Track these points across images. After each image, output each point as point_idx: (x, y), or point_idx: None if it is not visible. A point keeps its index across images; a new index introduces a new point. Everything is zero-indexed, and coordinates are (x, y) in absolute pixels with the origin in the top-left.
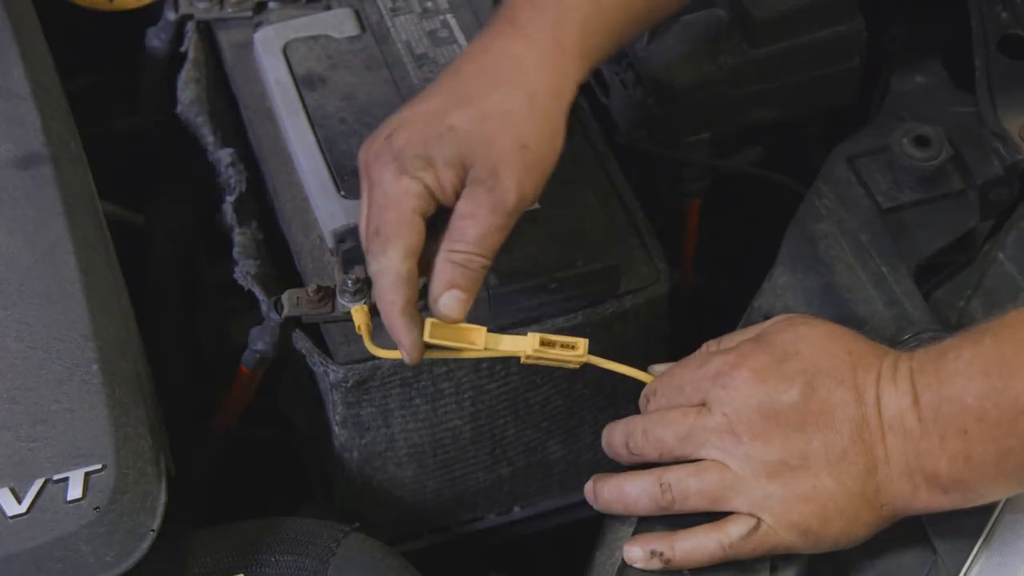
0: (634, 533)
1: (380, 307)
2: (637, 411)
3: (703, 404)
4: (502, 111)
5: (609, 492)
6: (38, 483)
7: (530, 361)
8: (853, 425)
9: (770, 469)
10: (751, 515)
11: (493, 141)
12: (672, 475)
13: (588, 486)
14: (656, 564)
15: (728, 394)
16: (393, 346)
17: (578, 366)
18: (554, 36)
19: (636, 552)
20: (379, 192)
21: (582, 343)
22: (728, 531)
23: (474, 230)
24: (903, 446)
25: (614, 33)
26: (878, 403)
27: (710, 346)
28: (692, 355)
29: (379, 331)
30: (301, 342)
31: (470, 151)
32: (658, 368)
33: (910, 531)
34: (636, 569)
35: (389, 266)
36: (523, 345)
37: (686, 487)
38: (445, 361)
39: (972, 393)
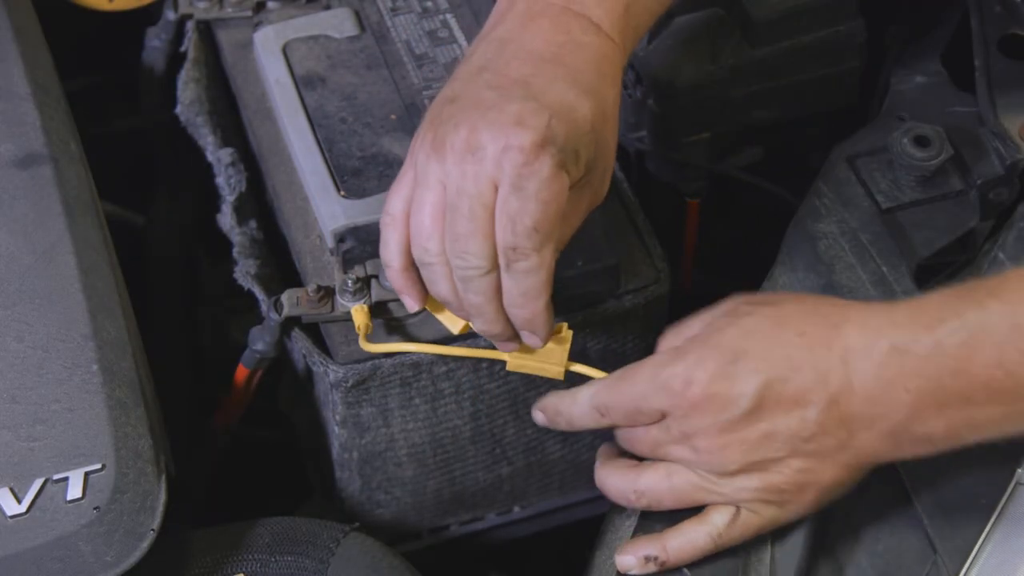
0: (634, 533)
1: (520, 303)
2: None
3: (662, 416)
4: (612, 111)
5: (598, 480)
6: (38, 483)
7: (514, 368)
8: (820, 407)
9: (735, 470)
10: (729, 504)
11: (608, 144)
12: (644, 482)
13: (598, 463)
14: (652, 568)
15: (683, 413)
16: (387, 341)
17: (560, 376)
18: (623, 41)
19: (629, 560)
20: (539, 185)
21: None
22: (713, 521)
23: (568, 232)
24: (889, 416)
25: (649, 20)
26: (849, 380)
27: (665, 340)
28: (642, 363)
29: (377, 330)
30: (301, 342)
31: (598, 154)
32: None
33: (910, 531)
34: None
35: (545, 262)
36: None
37: (659, 493)
38: (445, 361)
39: (980, 364)
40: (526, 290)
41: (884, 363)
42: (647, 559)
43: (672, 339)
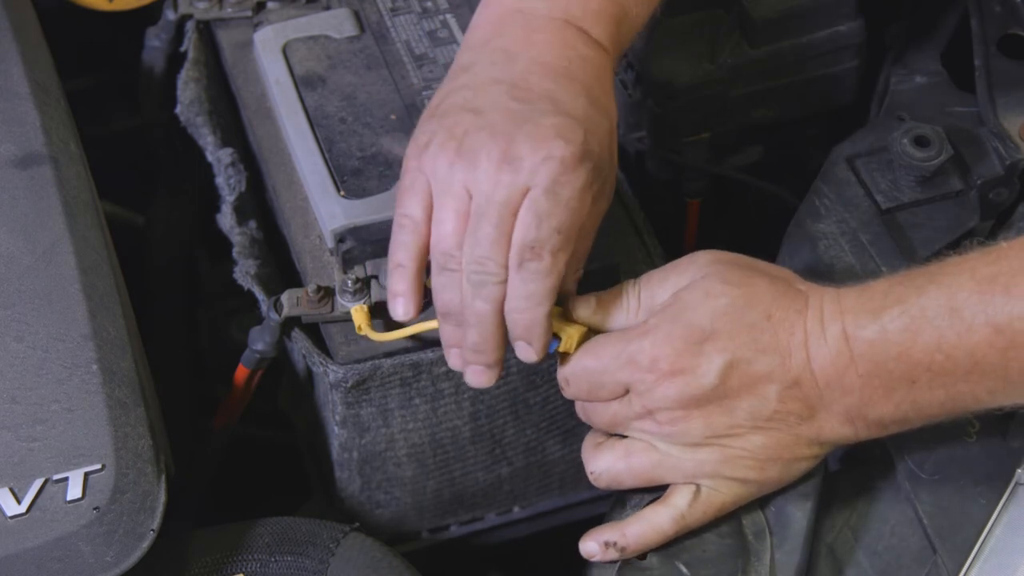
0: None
1: (523, 307)
2: None
3: (626, 391)
4: (616, 123)
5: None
6: (38, 483)
7: None
8: (781, 387)
9: (695, 443)
10: (689, 483)
11: (615, 155)
12: (601, 463)
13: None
14: (613, 554)
15: (646, 388)
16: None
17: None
18: (615, 56)
19: (591, 547)
20: (572, 194)
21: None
22: (674, 503)
23: (588, 243)
24: (843, 399)
25: (634, 35)
26: (809, 364)
27: (629, 297)
28: (608, 338)
29: (376, 331)
30: (301, 342)
31: (611, 166)
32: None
33: (910, 531)
34: (636, 570)
35: (557, 268)
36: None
37: (617, 473)
38: (445, 360)
39: (921, 348)
40: (532, 292)
41: (838, 348)
42: (607, 544)
43: (645, 294)
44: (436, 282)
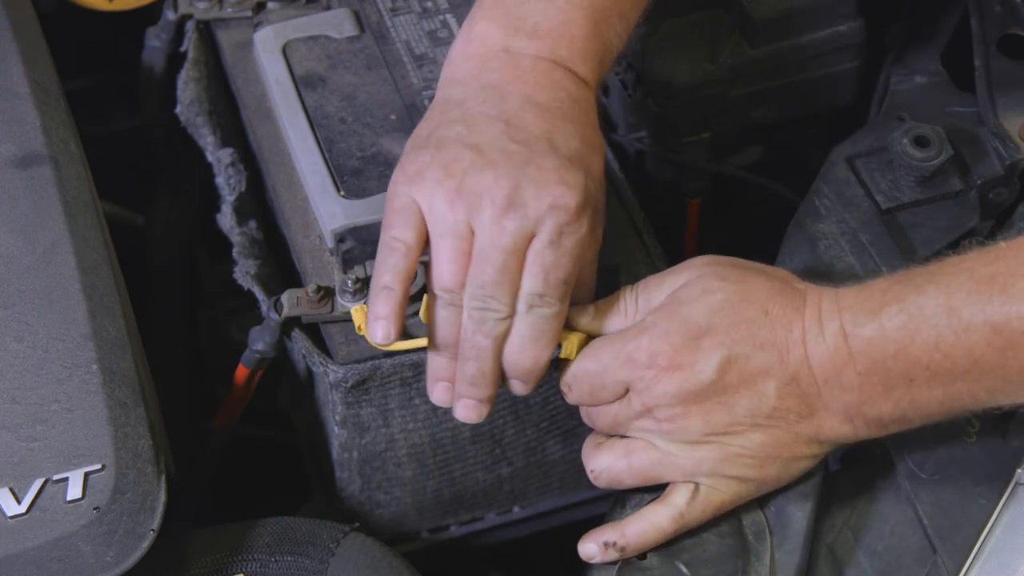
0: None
1: (528, 348)
2: None
3: (626, 391)
4: (600, 158)
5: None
6: (38, 483)
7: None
8: (779, 383)
9: (695, 441)
10: (688, 482)
11: (603, 181)
12: (601, 462)
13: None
14: (613, 554)
15: (645, 385)
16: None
17: None
18: (595, 81)
19: (590, 548)
20: (575, 243)
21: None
22: (673, 501)
23: (592, 276)
24: (842, 396)
25: (611, 63)
26: (807, 360)
27: (627, 302)
28: (607, 339)
29: None
30: (301, 342)
31: (603, 193)
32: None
33: (910, 531)
34: (636, 570)
35: (563, 313)
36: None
37: (617, 472)
38: None
39: (919, 346)
40: (539, 335)
41: (836, 345)
42: (606, 545)
43: (641, 298)
44: (438, 316)
